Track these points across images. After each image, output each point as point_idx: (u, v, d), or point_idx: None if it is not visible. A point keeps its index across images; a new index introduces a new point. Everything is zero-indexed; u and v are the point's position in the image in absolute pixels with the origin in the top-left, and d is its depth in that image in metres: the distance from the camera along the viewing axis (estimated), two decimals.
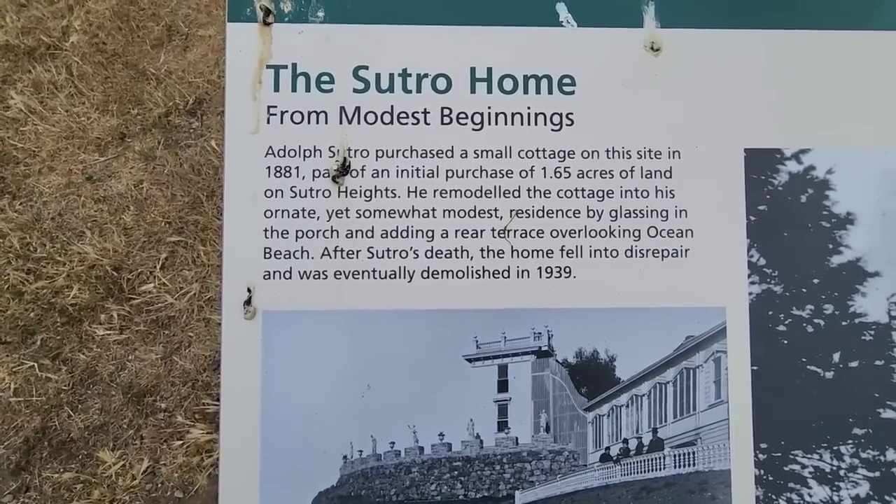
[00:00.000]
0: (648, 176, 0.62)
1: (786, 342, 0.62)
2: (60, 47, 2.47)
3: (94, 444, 1.77)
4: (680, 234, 0.61)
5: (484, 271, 0.60)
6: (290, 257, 0.59)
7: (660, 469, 0.60)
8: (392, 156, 0.60)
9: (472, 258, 0.60)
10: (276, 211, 0.59)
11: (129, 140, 2.28)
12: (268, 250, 0.59)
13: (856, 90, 0.64)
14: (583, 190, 0.61)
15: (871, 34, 0.64)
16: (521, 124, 0.61)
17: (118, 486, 1.67)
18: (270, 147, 0.59)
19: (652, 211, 0.61)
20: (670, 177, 0.62)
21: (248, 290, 0.58)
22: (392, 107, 0.61)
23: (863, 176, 0.63)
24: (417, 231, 0.60)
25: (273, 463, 0.57)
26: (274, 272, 0.58)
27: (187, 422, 1.74)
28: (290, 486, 0.57)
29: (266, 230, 0.59)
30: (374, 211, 0.60)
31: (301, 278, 0.59)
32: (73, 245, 2.06)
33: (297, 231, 0.59)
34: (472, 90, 0.61)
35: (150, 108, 2.30)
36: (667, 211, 0.62)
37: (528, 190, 0.61)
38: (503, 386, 0.60)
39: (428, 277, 0.59)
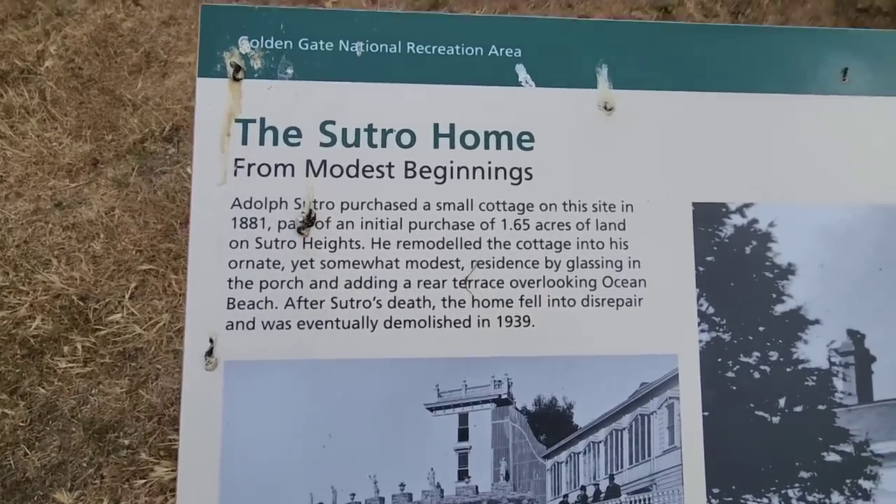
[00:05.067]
0: (603, 228, 0.65)
1: (734, 388, 0.64)
2: (34, 72, 2.44)
3: (51, 484, 1.69)
4: (633, 284, 0.64)
5: (446, 320, 0.61)
6: (253, 307, 0.59)
7: None
8: (357, 208, 0.62)
9: (434, 308, 0.61)
10: (241, 261, 0.60)
11: (101, 166, 2.25)
12: (231, 300, 0.59)
13: (794, 150, 0.68)
14: (541, 241, 0.64)
15: (808, 98, 0.69)
16: (482, 178, 0.64)
17: None
18: (237, 199, 0.60)
19: (607, 261, 0.64)
20: (624, 229, 0.65)
21: (211, 341, 0.58)
22: (357, 160, 0.63)
23: (802, 229, 0.67)
24: (381, 281, 0.61)
25: None
26: (237, 322, 0.59)
27: (151, 459, 1.68)
28: None
29: (230, 280, 0.59)
30: (339, 261, 0.61)
31: (264, 328, 0.59)
32: (38, 273, 2.01)
33: (261, 281, 0.60)
34: (436, 145, 0.64)
35: (125, 134, 2.29)
36: (621, 262, 0.64)
37: (489, 241, 0.63)
38: (464, 434, 0.61)
39: (391, 327, 0.60)
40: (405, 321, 0.60)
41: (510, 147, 0.65)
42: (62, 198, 2.19)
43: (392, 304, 0.61)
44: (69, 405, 1.79)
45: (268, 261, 0.60)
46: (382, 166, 0.63)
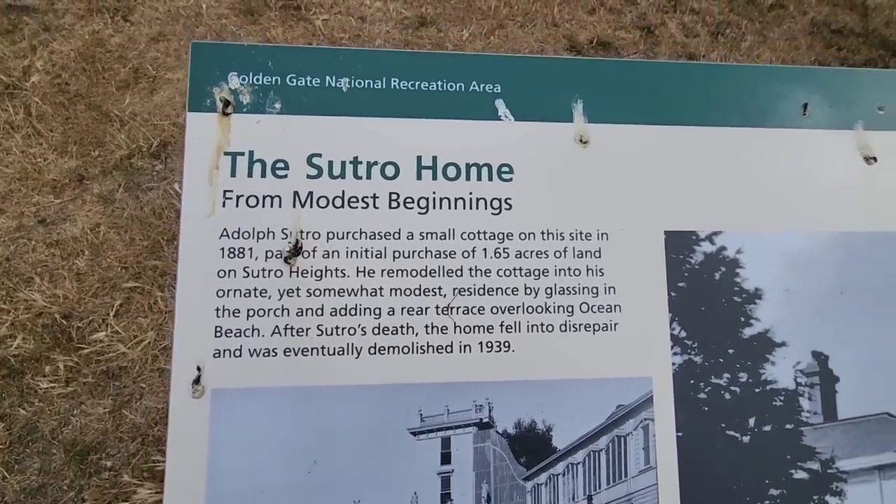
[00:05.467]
0: (580, 256, 0.67)
1: (706, 409, 0.67)
2: (20, 87, 2.43)
3: None
4: (609, 310, 0.67)
5: (428, 346, 0.63)
6: (240, 335, 0.61)
7: None
8: (342, 237, 0.64)
9: (417, 334, 0.63)
10: (229, 290, 0.61)
11: (87, 182, 2.24)
12: (219, 329, 0.60)
13: (758, 180, 0.72)
14: (520, 269, 0.66)
15: (770, 131, 0.73)
16: (464, 208, 0.67)
17: None
18: (225, 229, 0.62)
19: (583, 288, 0.67)
20: (599, 256, 0.68)
21: (198, 369, 0.59)
22: (343, 191, 0.65)
23: (767, 256, 0.71)
24: (365, 309, 0.63)
25: None
26: (224, 350, 0.60)
27: (134, 481, 1.66)
28: None
29: (218, 309, 0.61)
30: (325, 290, 0.63)
31: (251, 356, 0.60)
32: (20, 292, 1.99)
33: (248, 310, 0.61)
34: (419, 177, 0.66)
35: (111, 150, 2.28)
36: (597, 288, 0.67)
37: (470, 269, 0.65)
38: (446, 458, 0.62)
39: (375, 353, 0.62)
40: (389, 348, 0.62)
41: (490, 178, 0.67)
42: (46, 214, 2.18)
43: (376, 330, 0.62)
44: (50, 426, 1.77)
45: (255, 289, 0.61)
46: (367, 197, 0.65)
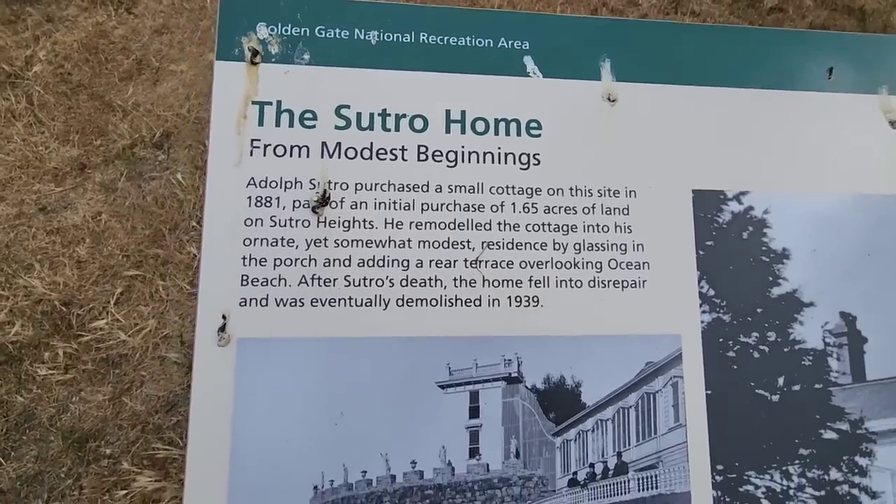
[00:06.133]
0: (608, 212, 0.67)
1: (735, 367, 0.66)
2: (22, 76, 2.42)
3: (27, 495, 1.62)
4: (637, 267, 0.66)
5: (456, 300, 0.62)
6: (267, 285, 0.59)
7: (625, 493, 0.62)
8: (370, 189, 0.63)
9: (445, 287, 0.62)
10: (255, 239, 0.60)
11: (89, 171, 2.22)
12: (245, 278, 0.59)
13: (785, 141, 0.72)
14: (549, 224, 0.65)
15: (797, 94, 0.73)
16: (492, 162, 0.66)
17: None
18: (252, 178, 0.61)
19: (612, 245, 0.66)
20: (628, 214, 0.67)
21: (224, 317, 0.58)
22: (371, 143, 0.64)
23: (794, 217, 0.70)
24: (393, 261, 0.62)
25: (241, 494, 0.56)
26: (250, 299, 0.59)
27: (134, 469, 1.63)
28: None
29: (244, 258, 0.60)
30: (352, 241, 0.62)
31: (277, 306, 0.59)
32: (20, 278, 1.96)
33: (275, 259, 0.60)
34: (447, 130, 0.66)
35: (114, 140, 2.26)
36: (625, 245, 0.66)
37: (499, 223, 0.65)
38: (475, 412, 0.61)
39: (403, 305, 0.61)
40: (417, 300, 0.61)
41: (519, 134, 0.67)
42: (47, 202, 2.15)
43: (404, 283, 0.61)
44: (48, 413, 1.73)
45: (282, 239, 0.60)
46: (396, 149, 0.64)
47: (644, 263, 0.66)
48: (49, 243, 2.07)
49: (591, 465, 0.62)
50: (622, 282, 0.65)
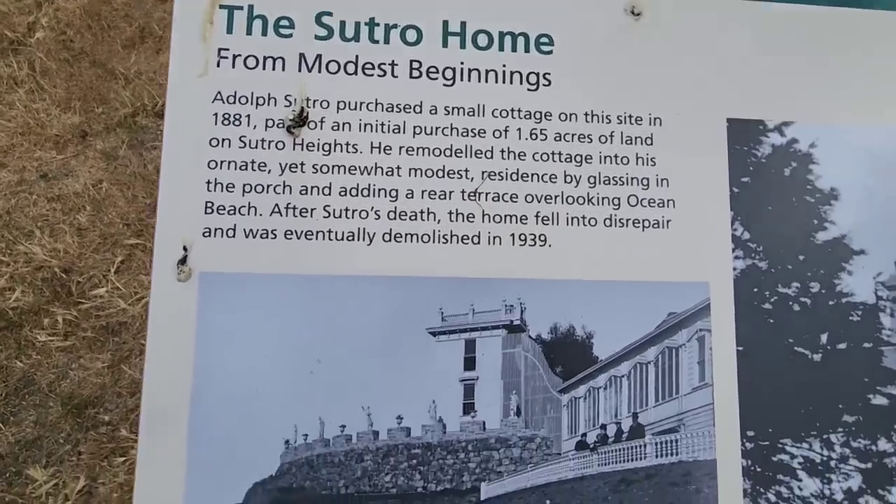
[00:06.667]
0: (628, 142, 0.58)
1: (772, 321, 0.58)
2: (24, 43, 2.37)
3: (25, 460, 1.61)
4: (661, 204, 0.58)
5: (452, 236, 0.54)
6: (234, 213, 0.52)
7: (640, 458, 0.54)
8: (355, 108, 0.55)
9: (439, 221, 0.55)
10: (222, 162, 0.53)
11: (90, 139, 2.18)
12: (210, 204, 0.52)
13: (839, 67, 0.62)
14: (560, 154, 0.57)
15: (858, 12, 0.63)
16: (496, 82, 0.58)
17: None
18: (219, 92, 0.54)
19: (632, 178, 0.58)
20: (651, 144, 0.59)
21: (184, 249, 0.51)
22: (357, 57, 0.56)
23: (846, 152, 0.61)
24: (380, 190, 0.54)
25: (202, 449, 0.49)
26: (216, 229, 0.52)
27: (132, 436, 1.60)
28: (222, 476, 0.49)
29: (209, 182, 0.52)
30: (333, 166, 0.54)
31: (246, 237, 0.52)
32: (20, 245, 1.93)
33: (244, 185, 0.53)
34: (444, 44, 0.57)
35: (116, 108, 2.22)
36: (648, 179, 0.58)
37: (502, 151, 0.56)
38: (470, 363, 0.54)
39: (390, 240, 0.54)
40: (406, 235, 0.54)
41: (527, 50, 0.58)
42: (48, 169, 2.12)
43: (392, 215, 0.54)
44: (47, 379, 1.71)
45: (252, 162, 0.53)
46: (385, 64, 0.56)
47: (669, 201, 0.58)
48: (50, 210, 2.04)
49: (603, 427, 0.54)
50: (643, 221, 0.57)
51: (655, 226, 0.57)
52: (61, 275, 1.89)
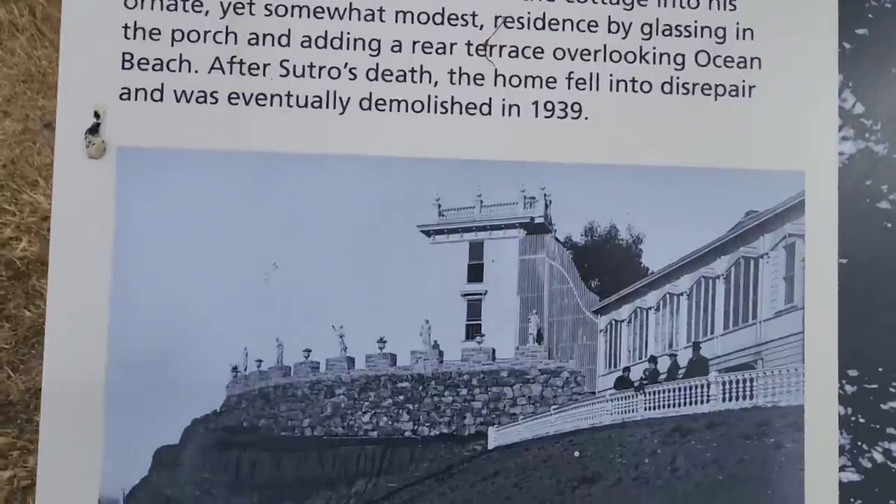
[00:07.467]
0: None
1: (889, 225, 0.43)
2: None
3: (35, 407, 1.59)
4: (742, 64, 0.43)
5: (453, 104, 0.41)
6: (161, 69, 0.40)
7: (702, 402, 0.41)
8: None
9: (436, 84, 0.41)
10: (144, 0, 0.40)
11: None
12: (128, 57, 0.40)
13: None
14: None
15: None
16: None
17: None
18: None
19: (703, 28, 0.43)
20: None
21: (96, 115, 0.39)
22: None
23: None
24: (356, 40, 0.41)
25: (124, 378, 0.38)
26: (137, 90, 0.39)
27: None
28: (150, 414, 0.38)
29: (126, 27, 0.40)
30: (293, 7, 0.40)
31: (178, 101, 0.40)
32: (25, 194, 1.88)
33: (174, 31, 0.40)
34: None
35: None
36: (724, 29, 0.43)
37: None
38: (476, 273, 0.41)
39: (370, 108, 0.40)
40: (392, 101, 0.40)
41: None
42: (52, 117, 2.05)
43: (373, 74, 0.40)
44: None
45: (185, 1, 0.40)
46: None
47: (753, 60, 0.42)
48: (54, 159, 1.97)
49: (653, 360, 0.41)
50: (716, 86, 0.42)
51: (733, 93, 0.42)
52: None
